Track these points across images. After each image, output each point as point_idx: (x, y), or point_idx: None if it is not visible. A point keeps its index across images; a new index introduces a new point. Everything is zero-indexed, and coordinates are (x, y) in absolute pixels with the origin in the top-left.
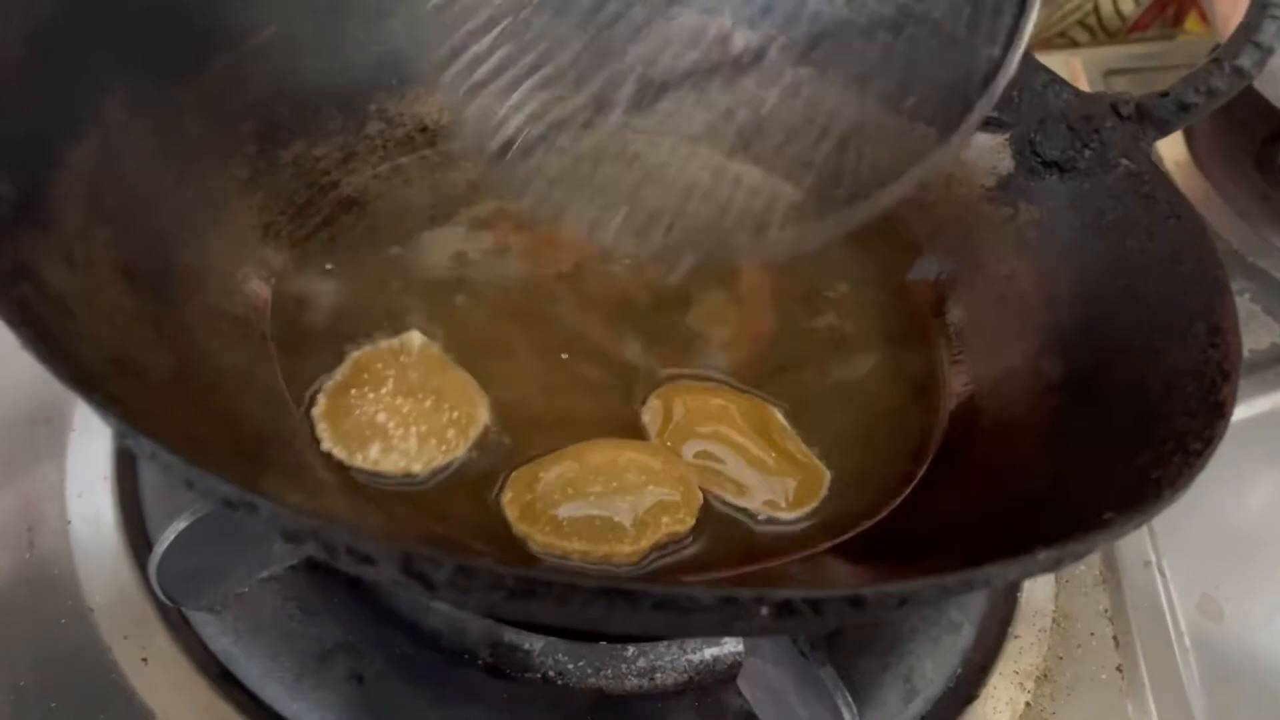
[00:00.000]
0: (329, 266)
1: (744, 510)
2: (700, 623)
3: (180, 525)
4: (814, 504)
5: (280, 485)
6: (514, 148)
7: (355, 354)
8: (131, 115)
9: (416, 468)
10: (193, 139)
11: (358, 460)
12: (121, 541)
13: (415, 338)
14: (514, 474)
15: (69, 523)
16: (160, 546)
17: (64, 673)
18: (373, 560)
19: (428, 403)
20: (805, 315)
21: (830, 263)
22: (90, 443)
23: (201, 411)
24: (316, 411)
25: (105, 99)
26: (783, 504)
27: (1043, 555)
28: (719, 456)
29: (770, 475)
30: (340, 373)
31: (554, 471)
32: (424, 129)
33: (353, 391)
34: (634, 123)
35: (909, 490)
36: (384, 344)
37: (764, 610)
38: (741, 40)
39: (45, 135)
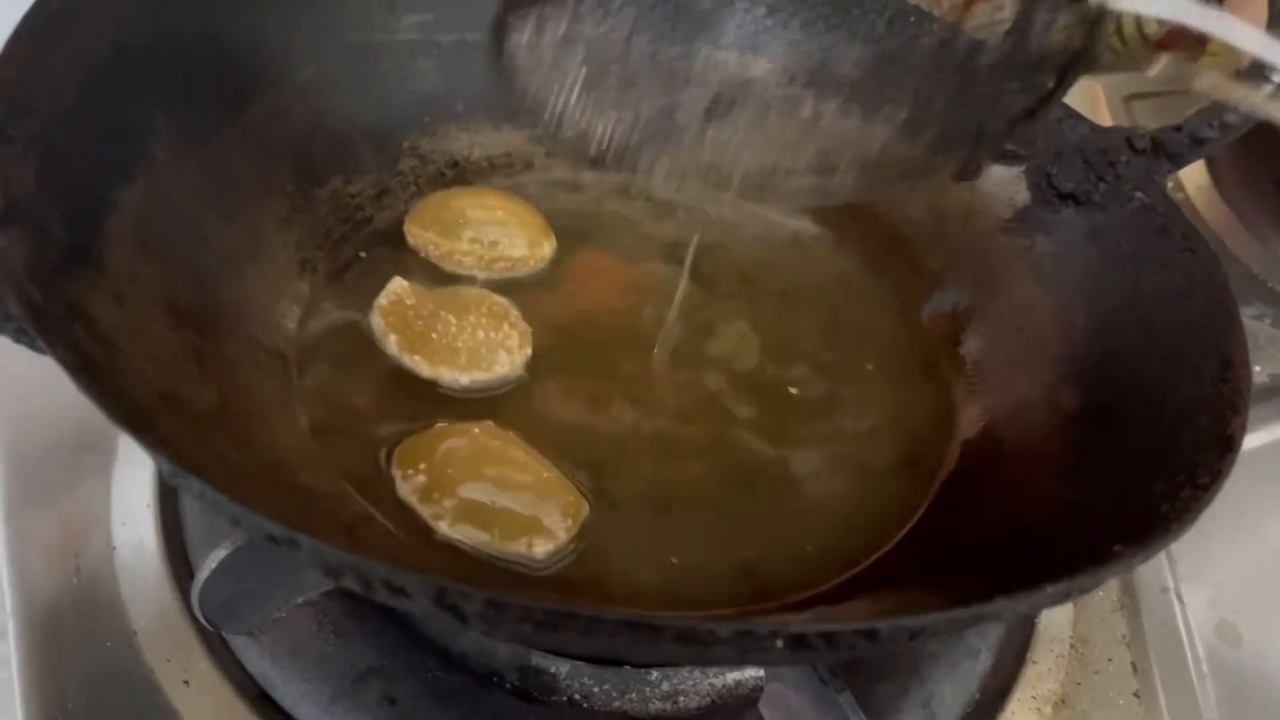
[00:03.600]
0: (361, 299)
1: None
2: (718, 654)
3: (221, 553)
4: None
5: (316, 512)
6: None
7: (377, 317)
8: (178, 156)
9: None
10: (235, 178)
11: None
12: (164, 567)
13: (399, 284)
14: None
15: (114, 548)
16: (202, 574)
17: (110, 694)
18: (407, 594)
19: (483, 309)
20: (822, 344)
21: (848, 292)
22: (134, 470)
23: (241, 442)
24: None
25: (153, 141)
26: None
27: (1051, 589)
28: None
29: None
30: (391, 335)
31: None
32: (455, 164)
33: (449, 326)
34: None
35: (921, 515)
36: (383, 302)
37: (779, 643)
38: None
39: (96, 179)
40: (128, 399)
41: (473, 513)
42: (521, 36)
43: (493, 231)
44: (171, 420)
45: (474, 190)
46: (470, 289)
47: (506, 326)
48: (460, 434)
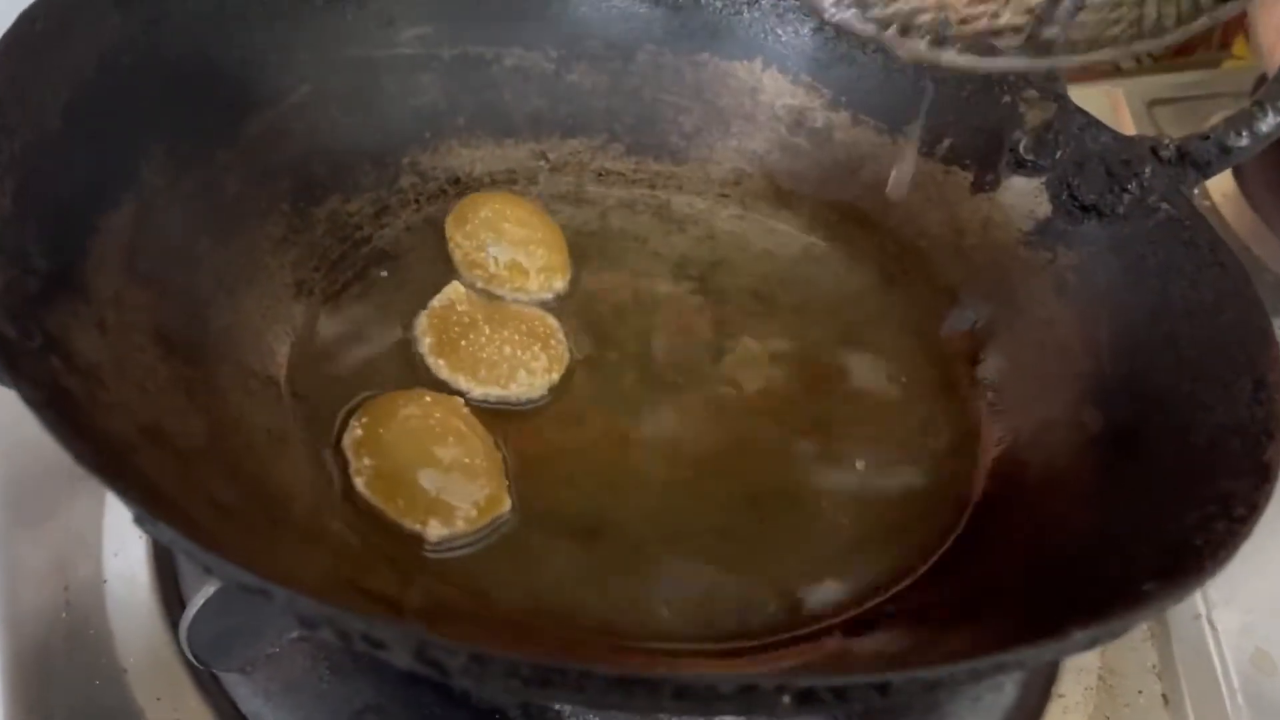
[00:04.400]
0: (359, 320)
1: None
2: (721, 710)
3: (210, 589)
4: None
5: (305, 548)
6: None
7: (424, 318)
8: (169, 178)
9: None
10: (230, 199)
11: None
12: (155, 601)
13: (455, 288)
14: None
15: (105, 581)
16: (191, 610)
17: None
18: (386, 646)
19: (523, 326)
20: (836, 364)
21: (866, 309)
22: None
23: (231, 476)
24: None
25: (143, 163)
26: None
27: (1078, 635)
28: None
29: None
30: (427, 337)
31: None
32: (456, 180)
33: (480, 336)
34: None
35: (946, 548)
36: (435, 304)
37: (785, 699)
38: None
39: (82, 204)
40: (103, 436)
41: (386, 478)
42: None
43: (512, 251)
44: (154, 456)
45: (512, 201)
46: (525, 307)
47: (538, 347)
48: (415, 400)
